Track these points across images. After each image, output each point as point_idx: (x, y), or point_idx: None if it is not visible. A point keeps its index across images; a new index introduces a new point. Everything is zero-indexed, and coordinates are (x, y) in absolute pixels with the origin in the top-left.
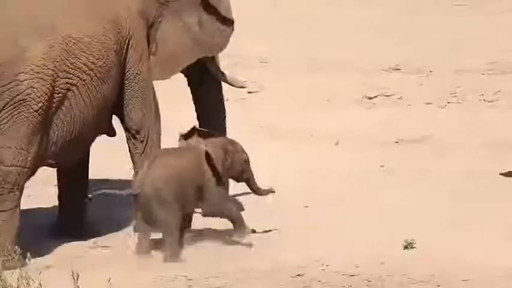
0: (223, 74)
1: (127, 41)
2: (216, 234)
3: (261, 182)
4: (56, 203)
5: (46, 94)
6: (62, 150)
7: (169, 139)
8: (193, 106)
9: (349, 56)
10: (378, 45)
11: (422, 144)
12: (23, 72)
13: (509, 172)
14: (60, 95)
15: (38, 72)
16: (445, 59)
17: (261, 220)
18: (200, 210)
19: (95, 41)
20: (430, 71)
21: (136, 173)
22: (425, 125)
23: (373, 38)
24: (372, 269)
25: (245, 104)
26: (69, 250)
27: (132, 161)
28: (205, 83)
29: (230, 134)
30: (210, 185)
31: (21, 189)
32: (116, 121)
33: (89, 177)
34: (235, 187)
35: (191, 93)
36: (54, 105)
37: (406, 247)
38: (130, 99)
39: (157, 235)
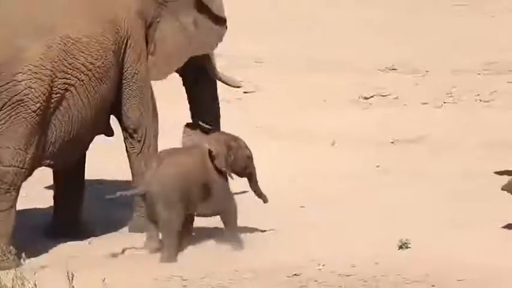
0: (219, 73)
1: (125, 41)
2: (211, 234)
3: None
4: (51, 203)
5: (44, 94)
6: (59, 151)
7: (166, 139)
8: (188, 105)
9: (348, 56)
10: (377, 45)
11: (418, 144)
12: (20, 73)
13: (503, 171)
14: (58, 95)
15: (36, 73)
16: (441, 59)
17: (257, 220)
18: (202, 210)
19: (93, 41)
20: (426, 71)
21: (145, 172)
22: (421, 125)
23: (373, 38)
24: (367, 269)
25: (242, 104)
26: (65, 250)
27: (129, 161)
28: (200, 82)
29: None
30: (214, 183)
31: (17, 190)
32: (113, 121)
33: (86, 178)
34: (233, 187)
35: (186, 92)
36: (52, 106)
37: (401, 247)
38: (128, 99)
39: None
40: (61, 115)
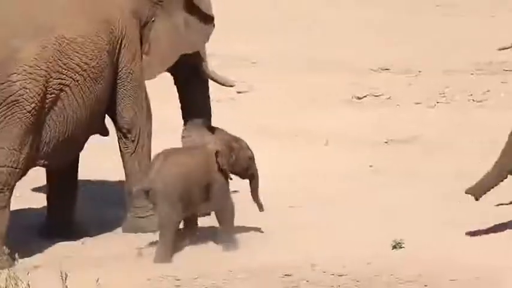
0: (211, 72)
1: (120, 41)
2: (206, 234)
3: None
4: (45, 203)
5: (39, 95)
6: (54, 151)
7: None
8: (179, 105)
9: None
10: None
11: (411, 144)
12: (15, 73)
13: None
14: (53, 95)
15: (30, 73)
16: (434, 59)
17: (252, 220)
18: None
19: (88, 42)
20: (419, 71)
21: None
22: (414, 125)
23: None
24: (360, 268)
25: (235, 103)
26: (58, 250)
27: (123, 161)
28: (192, 81)
29: None
30: (216, 183)
31: (11, 190)
32: (108, 120)
33: (80, 177)
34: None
35: (177, 91)
36: (47, 106)
37: (394, 247)
38: (122, 99)
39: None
40: (56, 115)
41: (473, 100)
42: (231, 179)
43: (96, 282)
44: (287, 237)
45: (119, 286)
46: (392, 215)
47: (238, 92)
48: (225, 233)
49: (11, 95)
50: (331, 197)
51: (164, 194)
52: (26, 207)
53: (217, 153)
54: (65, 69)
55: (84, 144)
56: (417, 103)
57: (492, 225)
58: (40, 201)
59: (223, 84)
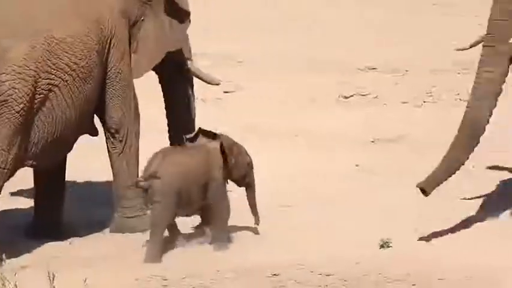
0: (196, 70)
1: (109, 41)
2: (196, 234)
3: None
4: (32, 203)
5: (28, 95)
6: (43, 151)
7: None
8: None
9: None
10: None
11: (398, 144)
12: (4, 73)
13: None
14: (42, 95)
15: (19, 73)
16: (420, 58)
17: (243, 220)
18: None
19: (77, 42)
20: (406, 71)
21: (145, 169)
22: (401, 124)
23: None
24: (347, 268)
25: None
26: (46, 250)
27: (110, 161)
28: (176, 79)
29: None
30: (214, 181)
31: None
32: (97, 120)
33: (68, 178)
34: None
35: (162, 90)
36: (35, 106)
37: (382, 246)
38: (111, 98)
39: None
40: (44, 116)
41: (460, 99)
42: (227, 182)
43: (84, 282)
44: (275, 237)
45: (107, 286)
46: (379, 214)
47: (225, 92)
48: (217, 232)
49: None
50: (317, 196)
51: (162, 193)
52: (13, 207)
53: (222, 146)
54: (54, 69)
55: (73, 145)
56: (404, 102)
57: (480, 224)
58: (27, 201)
59: (208, 82)
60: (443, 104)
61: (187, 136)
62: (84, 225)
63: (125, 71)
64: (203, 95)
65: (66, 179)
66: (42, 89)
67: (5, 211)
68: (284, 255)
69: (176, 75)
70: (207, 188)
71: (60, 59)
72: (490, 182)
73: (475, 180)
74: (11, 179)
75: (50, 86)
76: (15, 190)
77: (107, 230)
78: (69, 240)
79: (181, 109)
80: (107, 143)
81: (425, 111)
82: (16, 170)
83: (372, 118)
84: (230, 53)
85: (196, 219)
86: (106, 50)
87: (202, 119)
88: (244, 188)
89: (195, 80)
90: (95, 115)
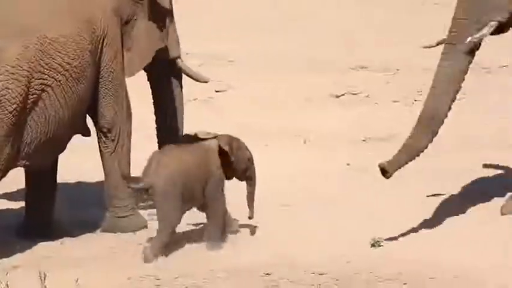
0: (186, 68)
1: (101, 40)
2: (190, 233)
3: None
4: (23, 203)
5: (21, 95)
6: (35, 152)
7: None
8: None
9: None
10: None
11: (389, 143)
12: None
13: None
14: (35, 95)
15: (12, 73)
16: (412, 57)
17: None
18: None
19: (70, 41)
20: (397, 69)
21: (145, 169)
22: (392, 123)
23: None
24: (339, 267)
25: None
26: (37, 250)
27: (102, 160)
28: (165, 78)
29: None
30: (212, 177)
31: None
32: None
33: (60, 178)
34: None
35: (150, 88)
36: (29, 106)
37: (373, 245)
38: (103, 98)
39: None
40: (38, 116)
41: None
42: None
43: (76, 282)
44: (267, 236)
45: (99, 286)
46: (370, 213)
47: (217, 91)
48: (212, 231)
49: None
50: (308, 195)
51: (164, 192)
52: (4, 207)
53: (220, 148)
54: (47, 69)
55: (66, 145)
56: (395, 101)
57: (471, 224)
58: (18, 201)
59: (197, 80)
60: None
61: (185, 136)
62: (76, 225)
63: (117, 70)
64: (195, 95)
65: (57, 179)
66: (35, 89)
67: None
68: (276, 254)
69: (165, 74)
70: (207, 184)
71: (53, 58)
72: (481, 182)
73: (466, 180)
74: (2, 179)
75: (43, 86)
76: (6, 190)
77: (98, 230)
78: (60, 240)
79: (170, 107)
80: (98, 142)
81: (417, 110)
82: (8, 171)
83: (363, 117)
84: (222, 52)
85: (194, 219)
86: (99, 50)
87: (193, 119)
88: (244, 185)
89: (187, 79)
90: (87, 115)
